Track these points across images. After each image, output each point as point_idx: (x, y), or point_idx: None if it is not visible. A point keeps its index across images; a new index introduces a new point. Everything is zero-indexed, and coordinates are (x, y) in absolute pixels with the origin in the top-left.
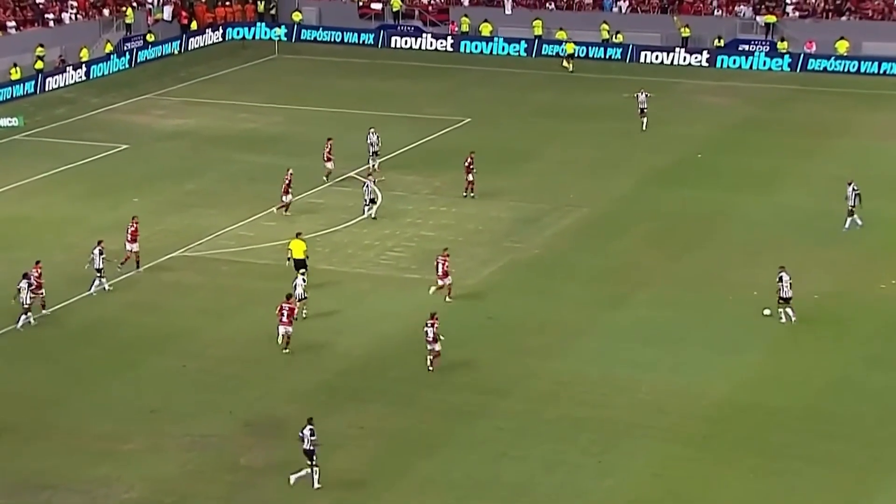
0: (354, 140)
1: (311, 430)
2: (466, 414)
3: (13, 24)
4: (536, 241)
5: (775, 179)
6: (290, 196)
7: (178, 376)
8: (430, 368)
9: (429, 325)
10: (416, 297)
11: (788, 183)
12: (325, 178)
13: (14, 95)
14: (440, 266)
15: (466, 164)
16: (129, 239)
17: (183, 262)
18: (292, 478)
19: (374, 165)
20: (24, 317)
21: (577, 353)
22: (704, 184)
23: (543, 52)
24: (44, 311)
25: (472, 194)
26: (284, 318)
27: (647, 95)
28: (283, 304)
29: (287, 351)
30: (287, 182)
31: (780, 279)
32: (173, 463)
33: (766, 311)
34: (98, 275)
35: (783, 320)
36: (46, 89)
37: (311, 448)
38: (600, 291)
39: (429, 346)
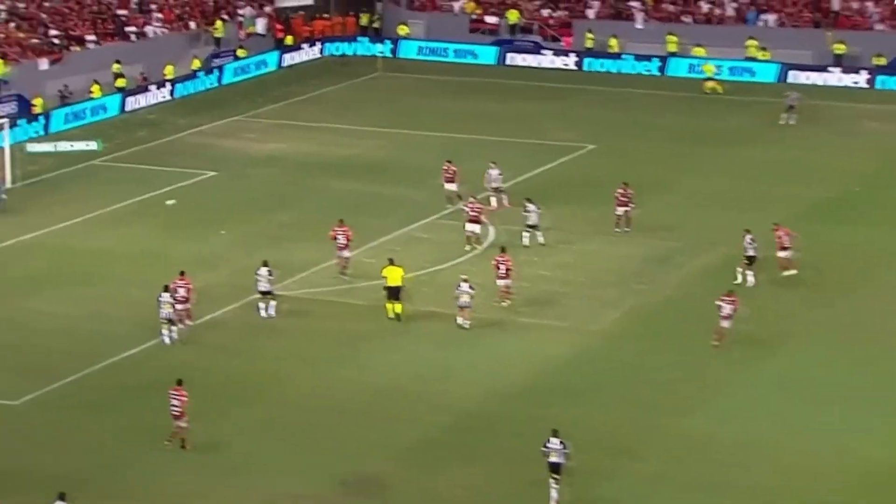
0: (465, 168)
1: (561, 442)
2: (591, 475)
3: (93, 37)
4: (668, 283)
5: None
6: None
7: (266, 427)
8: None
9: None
10: (530, 344)
11: None
12: (448, 205)
13: (93, 116)
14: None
15: (619, 194)
16: (340, 246)
17: (257, 308)
18: None
19: (500, 200)
20: (165, 329)
21: (713, 409)
22: (862, 220)
23: (677, 71)
24: (188, 323)
25: (626, 229)
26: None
27: (798, 96)
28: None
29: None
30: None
31: None
32: None
33: None
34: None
35: None
36: (127, 110)
37: (559, 462)
38: (740, 341)
39: (498, 282)
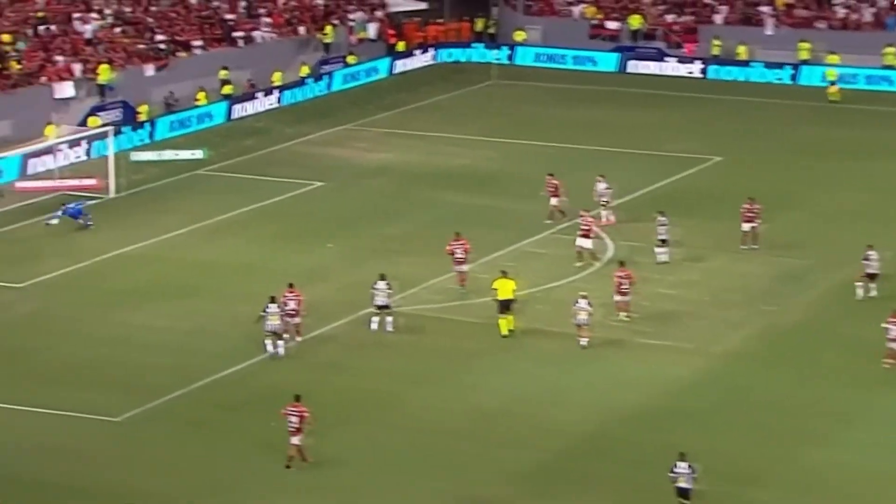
0: (582, 181)
1: (689, 466)
2: (714, 503)
3: (200, 43)
4: (798, 304)
5: None
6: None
7: (374, 449)
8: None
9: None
10: (650, 365)
11: None
12: (549, 220)
13: (198, 124)
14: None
15: (745, 210)
16: (458, 260)
17: (370, 321)
18: None
19: (607, 216)
20: (270, 343)
21: (845, 440)
22: None
23: (810, 80)
24: (297, 339)
25: (753, 245)
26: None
27: None
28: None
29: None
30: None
31: None
32: None
33: None
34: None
35: None
36: (234, 117)
37: (688, 487)
38: (876, 368)
39: (616, 297)
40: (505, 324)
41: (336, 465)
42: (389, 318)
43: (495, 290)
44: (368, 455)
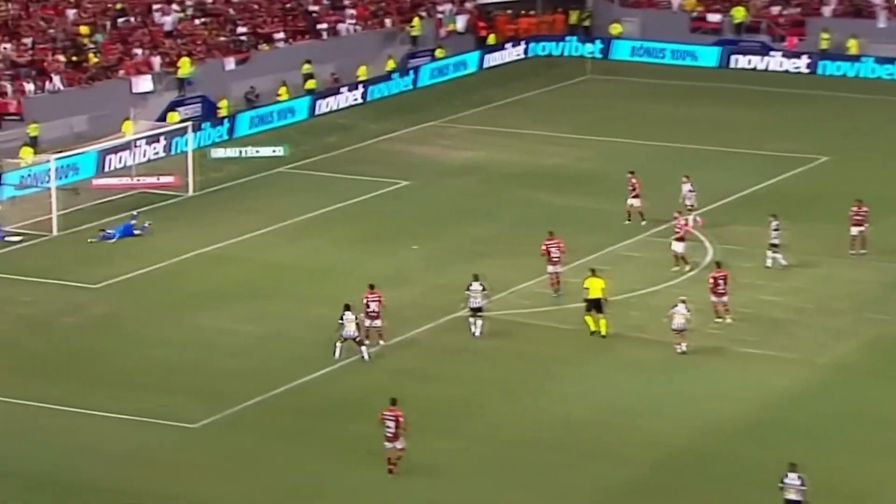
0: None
1: (799, 477)
2: None
3: (282, 35)
4: None
5: None
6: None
7: (460, 460)
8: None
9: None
10: (751, 375)
11: None
12: (628, 220)
13: (280, 120)
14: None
15: (852, 213)
16: (554, 260)
17: (468, 324)
18: None
19: (693, 218)
20: (339, 348)
21: None
22: None
23: None
24: (381, 342)
25: (861, 250)
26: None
27: None
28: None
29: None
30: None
31: None
32: None
33: None
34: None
35: None
36: (316, 113)
37: (798, 499)
38: None
39: (713, 298)
40: (592, 321)
41: (418, 474)
42: (479, 322)
43: (586, 288)
44: (452, 466)
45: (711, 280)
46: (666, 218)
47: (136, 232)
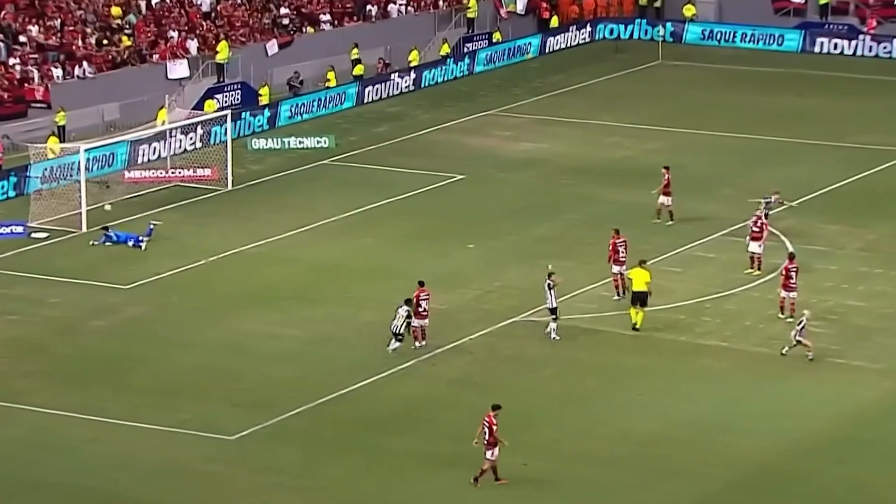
0: (761, 176)
1: None
2: None
3: (328, 18)
4: None
5: None
6: (670, 199)
7: (518, 477)
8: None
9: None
10: (835, 388)
11: None
12: (657, 218)
13: (326, 108)
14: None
15: None
16: (621, 260)
17: (528, 330)
18: None
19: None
20: (397, 344)
21: None
22: None
23: None
24: (419, 343)
25: None
26: None
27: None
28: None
29: None
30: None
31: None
32: None
33: None
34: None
35: None
36: (365, 101)
37: None
38: None
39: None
40: (634, 314)
41: (465, 496)
42: (553, 325)
43: (630, 279)
44: (511, 482)
45: (783, 271)
46: (742, 216)
47: (142, 239)
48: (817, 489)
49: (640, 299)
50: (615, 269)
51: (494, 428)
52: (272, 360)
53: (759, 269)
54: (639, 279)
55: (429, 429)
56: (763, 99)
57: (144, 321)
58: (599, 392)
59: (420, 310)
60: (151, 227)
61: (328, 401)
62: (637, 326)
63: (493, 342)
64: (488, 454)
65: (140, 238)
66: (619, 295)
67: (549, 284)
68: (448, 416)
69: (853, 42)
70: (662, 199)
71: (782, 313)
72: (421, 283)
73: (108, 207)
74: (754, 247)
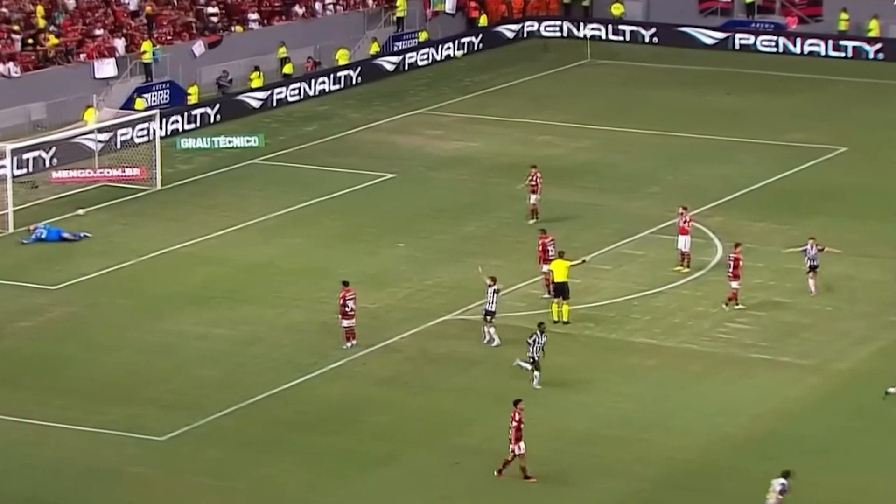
0: (690, 174)
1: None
2: None
3: (256, 16)
4: None
5: None
6: (535, 198)
7: (450, 476)
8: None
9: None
10: (763, 384)
11: None
12: (530, 220)
13: (254, 108)
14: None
15: None
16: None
17: (458, 328)
18: None
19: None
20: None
21: None
22: None
23: None
24: (349, 343)
25: None
26: None
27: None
28: None
29: None
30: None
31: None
32: None
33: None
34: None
35: None
36: (293, 100)
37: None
38: None
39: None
40: (556, 309)
41: (404, 488)
42: (491, 329)
43: (550, 271)
44: (434, 483)
45: (732, 261)
46: (670, 214)
47: (69, 237)
48: (743, 485)
49: (561, 291)
50: (545, 268)
51: (519, 423)
52: (201, 361)
53: (687, 266)
54: (559, 270)
55: (359, 428)
56: (691, 97)
57: (72, 322)
58: (530, 390)
59: (347, 310)
60: (81, 235)
61: (258, 401)
62: (565, 320)
63: (423, 341)
64: (516, 449)
65: (79, 234)
66: (549, 293)
67: (495, 290)
68: (378, 416)
69: (779, 40)
70: (531, 197)
71: (728, 305)
72: (345, 283)
73: (81, 212)
74: (682, 242)
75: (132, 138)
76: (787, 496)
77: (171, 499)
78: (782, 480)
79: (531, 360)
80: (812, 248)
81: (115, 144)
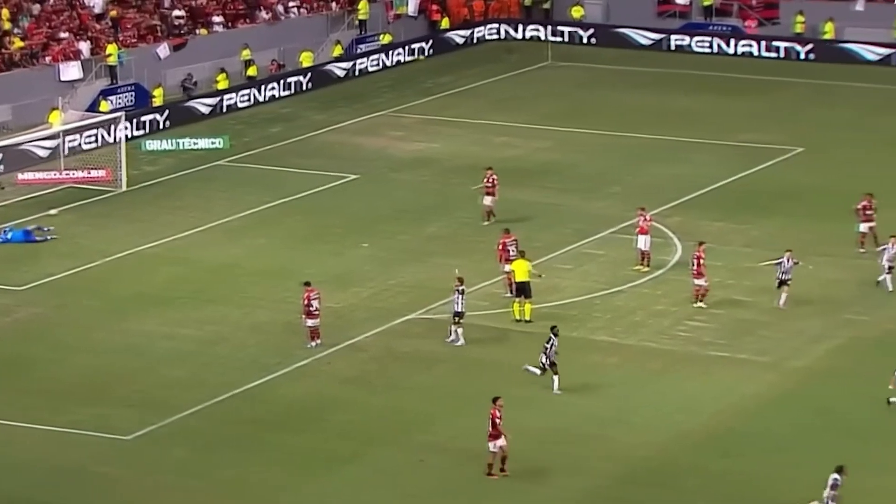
0: (649, 174)
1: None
2: None
3: (220, 19)
4: (887, 314)
5: None
6: (491, 200)
7: (414, 474)
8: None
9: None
10: (721, 382)
11: None
12: (484, 222)
13: (219, 110)
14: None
15: (860, 207)
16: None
17: (421, 327)
18: None
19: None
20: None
21: None
22: None
23: None
24: (313, 343)
25: (876, 248)
26: None
27: None
28: None
29: None
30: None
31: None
32: None
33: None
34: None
35: None
36: (258, 102)
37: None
38: None
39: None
40: (518, 308)
41: (360, 493)
42: (459, 330)
43: (511, 271)
44: (398, 480)
45: (696, 259)
46: (630, 214)
47: (37, 238)
48: (702, 481)
49: (523, 290)
50: (506, 267)
51: (498, 420)
52: (167, 361)
53: (647, 265)
54: (521, 270)
55: (324, 427)
56: (650, 98)
57: (38, 323)
58: (494, 389)
59: (312, 309)
60: (49, 237)
61: (224, 400)
62: (527, 319)
63: (387, 340)
64: (490, 446)
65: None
66: (510, 292)
67: (461, 290)
68: (343, 415)
69: (736, 42)
70: (486, 199)
71: (697, 301)
72: (307, 284)
73: (53, 212)
74: (641, 242)
75: (80, 145)
76: (838, 490)
77: (137, 498)
78: (835, 475)
79: (542, 365)
80: (788, 261)
81: (64, 150)
